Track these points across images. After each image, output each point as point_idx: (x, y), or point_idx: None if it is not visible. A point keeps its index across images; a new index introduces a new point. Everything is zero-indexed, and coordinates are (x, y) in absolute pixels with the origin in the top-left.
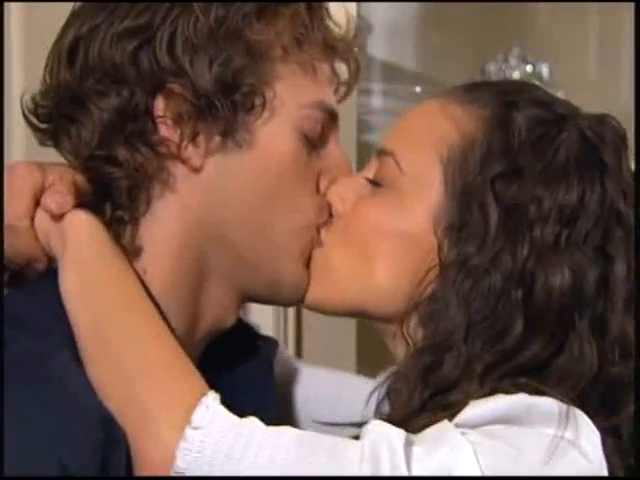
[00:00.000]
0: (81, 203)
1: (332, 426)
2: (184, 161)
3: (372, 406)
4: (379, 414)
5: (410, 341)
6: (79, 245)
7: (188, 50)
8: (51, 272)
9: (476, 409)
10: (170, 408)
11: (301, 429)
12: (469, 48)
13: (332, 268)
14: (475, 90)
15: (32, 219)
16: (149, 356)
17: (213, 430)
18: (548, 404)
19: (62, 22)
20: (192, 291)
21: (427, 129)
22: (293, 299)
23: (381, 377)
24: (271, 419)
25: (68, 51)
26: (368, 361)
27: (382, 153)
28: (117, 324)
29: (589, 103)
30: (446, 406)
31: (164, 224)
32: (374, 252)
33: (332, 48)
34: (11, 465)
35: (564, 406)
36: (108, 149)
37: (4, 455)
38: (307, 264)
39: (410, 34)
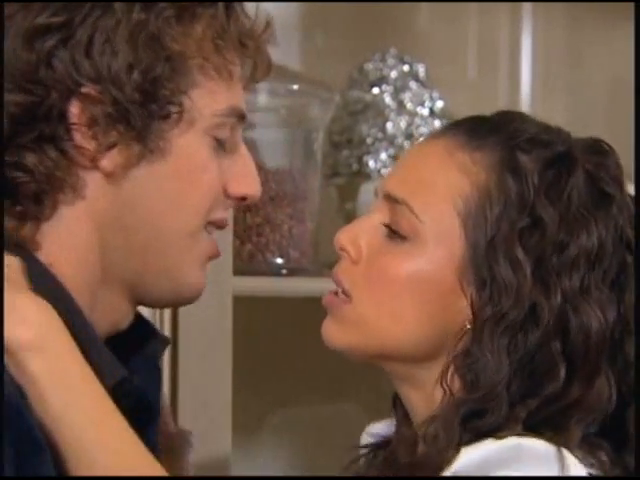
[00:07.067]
0: None
1: None
2: (96, 168)
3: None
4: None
5: (447, 390)
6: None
7: (107, 54)
8: None
9: (468, 456)
10: None
11: None
12: (350, 47)
13: (361, 318)
14: (478, 134)
15: None
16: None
17: None
18: (537, 445)
19: None
20: (90, 294)
21: (437, 178)
22: (192, 300)
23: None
24: (154, 422)
25: None
26: (243, 360)
27: (393, 200)
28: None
29: (467, 103)
30: None
31: (69, 227)
32: (400, 303)
33: (245, 46)
34: None
35: (553, 447)
36: (15, 154)
37: None
38: (204, 265)
39: (294, 33)
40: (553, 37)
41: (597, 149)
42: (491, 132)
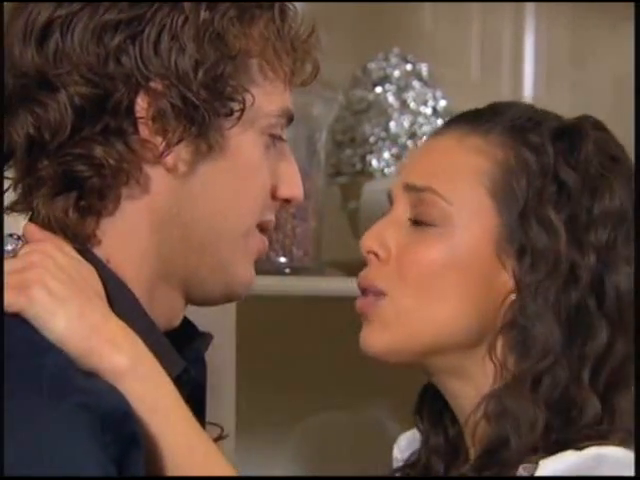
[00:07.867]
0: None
1: None
2: (160, 163)
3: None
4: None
5: (498, 364)
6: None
7: (175, 51)
8: None
9: (549, 468)
10: None
11: None
12: (353, 47)
13: (402, 315)
14: (480, 121)
15: None
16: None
17: None
18: (617, 453)
19: None
20: (149, 291)
21: (456, 162)
22: (242, 297)
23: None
24: (204, 412)
25: (40, 32)
26: (247, 358)
27: (414, 190)
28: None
29: (470, 102)
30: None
31: (129, 222)
32: (441, 288)
33: (295, 50)
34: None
35: (631, 453)
36: (81, 146)
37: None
38: (254, 260)
39: None
40: (556, 37)
41: (597, 123)
42: (493, 118)
